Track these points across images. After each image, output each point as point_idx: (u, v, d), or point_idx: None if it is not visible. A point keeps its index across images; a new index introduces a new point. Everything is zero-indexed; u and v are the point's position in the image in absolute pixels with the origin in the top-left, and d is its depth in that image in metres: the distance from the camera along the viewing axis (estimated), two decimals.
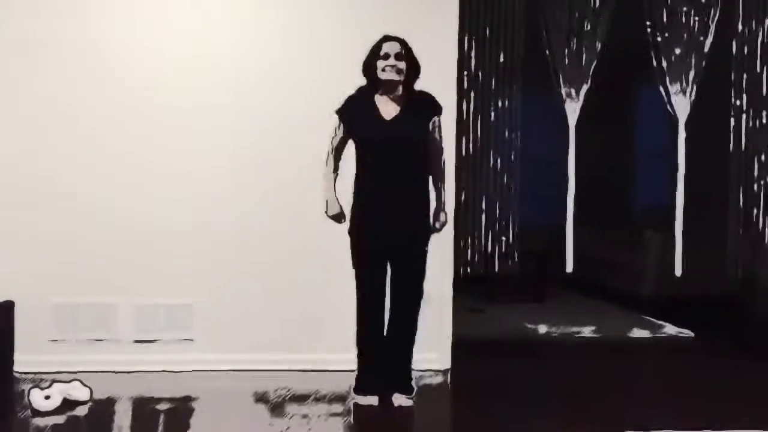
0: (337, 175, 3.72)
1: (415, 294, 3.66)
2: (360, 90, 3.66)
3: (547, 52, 5.37)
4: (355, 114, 3.62)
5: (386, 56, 3.57)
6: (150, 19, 4.25)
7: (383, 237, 3.60)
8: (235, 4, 4.32)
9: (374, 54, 3.59)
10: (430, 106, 3.67)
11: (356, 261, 3.63)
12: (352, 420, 3.57)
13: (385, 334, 3.68)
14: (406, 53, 3.59)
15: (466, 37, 5.24)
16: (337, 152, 3.71)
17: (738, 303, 6.03)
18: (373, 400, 3.66)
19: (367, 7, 4.31)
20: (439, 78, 4.14)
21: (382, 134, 3.55)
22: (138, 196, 4.24)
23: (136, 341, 4.25)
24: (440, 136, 3.72)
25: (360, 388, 3.70)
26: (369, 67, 3.60)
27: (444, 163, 3.79)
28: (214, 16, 4.30)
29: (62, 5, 4.21)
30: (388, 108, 3.60)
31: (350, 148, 3.71)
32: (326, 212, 3.73)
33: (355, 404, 3.67)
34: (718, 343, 5.31)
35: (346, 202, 3.73)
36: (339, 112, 3.66)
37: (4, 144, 4.17)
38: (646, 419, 3.63)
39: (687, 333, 5.57)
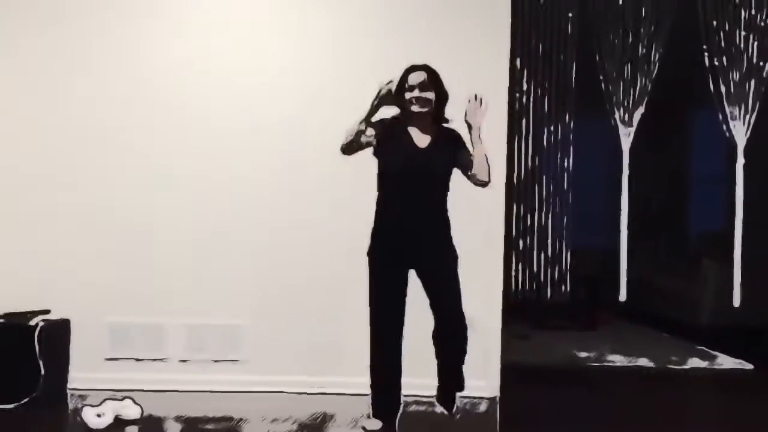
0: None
1: (455, 308, 3.52)
2: (393, 117, 3.57)
3: (601, 77, 5.32)
4: (389, 136, 3.52)
5: (411, 88, 3.48)
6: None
7: (406, 259, 3.51)
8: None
9: (402, 85, 3.50)
10: (457, 139, 3.56)
11: (374, 282, 3.51)
12: None
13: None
14: (433, 81, 3.49)
15: (518, 61, 5.23)
16: (359, 146, 3.50)
17: None
18: (377, 424, 3.54)
19: (414, 30, 4.30)
20: (490, 101, 4.11)
21: (416, 161, 3.47)
22: (188, 218, 4.31)
23: (186, 360, 4.31)
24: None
25: (374, 413, 3.57)
26: (399, 97, 3.51)
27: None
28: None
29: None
30: (420, 136, 3.53)
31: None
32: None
33: (363, 428, 3.56)
34: None
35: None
36: (375, 124, 3.51)
37: (68, 165, 4.32)
38: None
39: (746, 365, 5.39)
